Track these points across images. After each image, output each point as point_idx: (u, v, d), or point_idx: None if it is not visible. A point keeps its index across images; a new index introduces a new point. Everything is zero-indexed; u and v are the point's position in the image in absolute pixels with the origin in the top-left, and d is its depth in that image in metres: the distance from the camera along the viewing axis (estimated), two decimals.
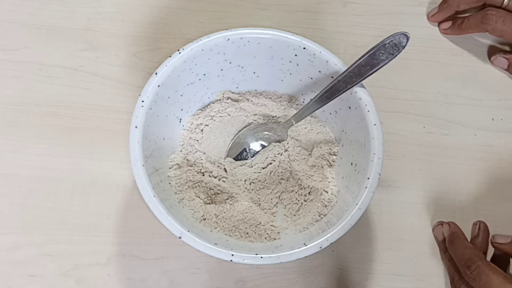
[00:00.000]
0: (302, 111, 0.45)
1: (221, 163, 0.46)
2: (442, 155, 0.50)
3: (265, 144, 0.47)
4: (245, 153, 0.47)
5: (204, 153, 0.46)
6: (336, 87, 0.42)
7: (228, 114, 0.48)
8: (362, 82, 0.42)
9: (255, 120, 0.48)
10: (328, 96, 0.43)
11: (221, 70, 0.46)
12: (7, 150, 0.49)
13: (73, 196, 0.47)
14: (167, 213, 0.37)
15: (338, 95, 0.42)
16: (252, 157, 0.47)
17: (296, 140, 0.47)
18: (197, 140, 0.47)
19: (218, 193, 0.44)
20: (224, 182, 0.45)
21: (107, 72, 0.53)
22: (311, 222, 0.43)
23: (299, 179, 0.45)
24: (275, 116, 0.48)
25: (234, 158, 0.47)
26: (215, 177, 0.45)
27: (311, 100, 0.44)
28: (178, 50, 0.43)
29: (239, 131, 0.47)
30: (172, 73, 0.43)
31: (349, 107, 0.44)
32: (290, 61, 0.46)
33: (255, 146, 0.47)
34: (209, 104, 0.48)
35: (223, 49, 0.44)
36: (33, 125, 0.50)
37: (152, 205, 0.38)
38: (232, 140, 0.47)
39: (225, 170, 0.46)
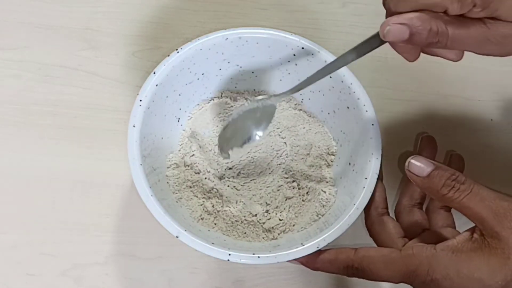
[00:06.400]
0: (294, 87, 0.42)
1: (219, 162, 0.46)
2: (441, 154, 0.50)
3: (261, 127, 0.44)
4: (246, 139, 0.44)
5: (202, 154, 0.46)
6: (337, 62, 0.39)
7: (227, 114, 0.48)
8: (360, 82, 0.42)
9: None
10: (328, 71, 0.40)
11: (220, 69, 0.46)
12: (6, 149, 0.49)
13: (72, 195, 0.47)
14: (164, 212, 0.38)
15: (332, 72, 0.40)
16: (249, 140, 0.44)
17: (295, 139, 0.47)
18: (196, 141, 0.47)
19: (215, 194, 0.44)
20: (222, 182, 0.45)
21: (107, 72, 0.53)
22: (309, 222, 0.43)
23: (297, 179, 0.45)
24: (274, 116, 0.48)
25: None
26: (212, 181, 0.45)
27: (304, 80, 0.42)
28: (177, 50, 0.43)
29: (231, 116, 0.44)
30: (171, 73, 0.43)
31: (348, 107, 0.44)
32: (289, 61, 0.46)
33: (252, 132, 0.44)
34: (207, 103, 0.48)
35: (222, 49, 0.44)
36: (32, 124, 0.50)
37: (150, 205, 0.38)
38: (225, 127, 0.44)
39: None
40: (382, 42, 0.35)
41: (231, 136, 0.44)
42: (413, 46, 0.35)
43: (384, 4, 0.35)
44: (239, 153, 0.45)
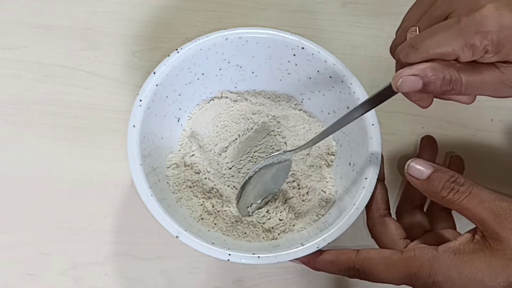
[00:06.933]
0: (308, 143, 0.43)
1: (219, 162, 0.46)
2: (441, 155, 0.50)
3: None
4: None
5: (202, 154, 0.46)
6: (347, 117, 0.39)
7: (227, 114, 0.48)
8: (360, 82, 0.42)
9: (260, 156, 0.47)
10: (342, 123, 0.40)
11: (220, 69, 0.46)
12: (6, 149, 0.49)
13: (71, 195, 0.47)
14: (165, 212, 0.37)
15: (349, 123, 0.40)
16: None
17: (294, 139, 0.47)
18: (196, 141, 0.47)
19: (215, 194, 0.44)
20: (222, 182, 0.45)
21: (106, 72, 0.53)
22: (309, 222, 0.43)
23: (297, 178, 0.45)
24: (274, 116, 0.48)
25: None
26: (212, 181, 0.45)
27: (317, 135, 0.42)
28: (177, 50, 0.43)
29: (247, 175, 0.44)
30: (171, 73, 0.43)
31: (348, 107, 0.44)
32: (289, 61, 0.46)
33: (270, 188, 0.45)
34: (207, 103, 0.48)
35: (222, 49, 0.44)
36: (32, 124, 0.50)
37: (150, 205, 0.38)
38: (243, 184, 0.44)
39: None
40: (395, 93, 0.34)
41: (250, 194, 0.45)
42: (427, 94, 0.35)
43: (392, 54, 0.35)
44: (257, 207, 0.45)
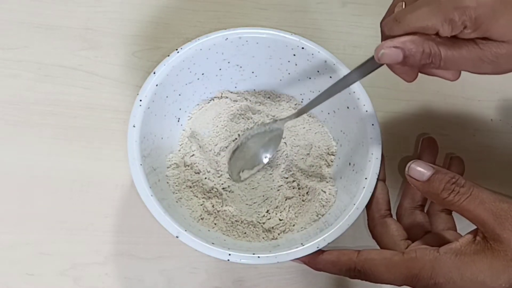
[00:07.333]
0: (300, 110, 0.44)
1: (218, 162, 0.46)
2: (441, 156, 0.50)
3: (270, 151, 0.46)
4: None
5: (202, 154, 0.46)
6: (337, 85, 0.40)
7: (227, 114, 0.48)
8: (360, 82, 0.42)
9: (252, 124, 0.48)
10: (328, 94, 0.41)
11: (220, 69, 0.46)
12: (6, 149, 0.49)
13: (71, 195, 0.47)
14: (165, 212, 0.38)
15: (338, 92, 0.41)
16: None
17: (295, 139, 0.47)
18: (196, 141, 0.47)
19: (215, 194, 0.44)
20: (221, 181, 0.45)
21: (106, 72, 0.53)
22: (309, 222, 0.43)
23: (297, 178, 0.45)
24: (274, 116, 0.48)
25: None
26: (212, 181, 0.45)
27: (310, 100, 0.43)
28: (177, 50, 0.43)
29: (239, 140, 0.46)
30: (171, 73, 0.43)
31: (347, 107, 0.44)
32: (289, 61, 0.46)
33: (261, 155, 0.46)
34: (207, 103, 0.48)
35: (222, 49, 0.44)
36: (31, 124, 0.50)
37: (150, 205, 0.38)
38: (233, 150, 0.46)
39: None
40: (379, 65, 0.35)
41: (242, 159, 0.45)
42: (409, 68, 0.36)
43: (380, 27, 0.36)
44: (248, 174, 0.46)
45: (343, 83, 0.40)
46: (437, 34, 0.33)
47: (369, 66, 0.37)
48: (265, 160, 0.46)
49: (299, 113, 0.44)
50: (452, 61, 0.33)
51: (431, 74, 0.38)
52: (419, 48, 0.33)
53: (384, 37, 0.35)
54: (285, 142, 0.47)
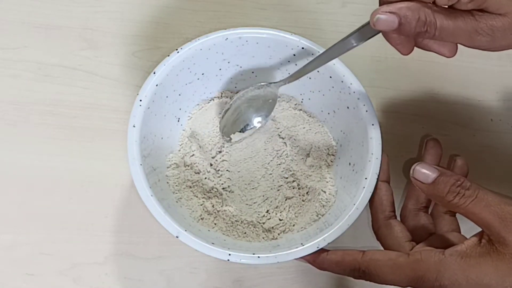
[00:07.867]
0: (294, 74, 0.43)
1: (218, 162, 0.46)
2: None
3: (262, 115, 0.46)
4: (245, 127, 0.46)
5: (202, 154, 0.46)
6: (334, 50, 0.40)
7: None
8: (360, 82, 0.42)
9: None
10: (326, 58, 0.40)
11: (220, 69, 0.46)
12: (6, 149, 0.49)
13: (71, 195, 0.47)
14: (164, 212, 0.38)
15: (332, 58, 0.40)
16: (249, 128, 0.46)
17: (295, 139, 0.47)
18: (196, 141, 0.47)
19: (215, 194, 0.44)
20: (221, 181, 0.45)
21: (106, 71, 0.53)
22: (309, 222, 0.43)
23: (297, 178, 0.45)
24: (274, 116, 0.48)
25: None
26: (212, 181, 0.45)
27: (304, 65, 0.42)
28: (177, 50, 0.43)
29: (233, 101, 0.46)
30: (171, 73, 0.43)
31: (348, 107, 0.44)
32: (289, 61, 0.46)
33: (253, 118, 0.46)
34: (207, 103, 0.48)
35: (222, 49, 0.44)
36: (31, 124, 0.50)
37: (149, 205, 0.38)
38: (225, 112, 0.46)
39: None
40: (375, 31, 0.35)
41: (234, 120, 0.45)
42: (406, 38, 0.36)
43: None
44: (239, 137, 0.46)
45: (341, 48, 0.39)
46: (434, 3, 0.33)
47: (365, 31, 0.36)
48: (258, 125, 0.45)
49: (295, 77, 0.43)
50: (447, 31, 0.33)
51: (427, 48, 0.37)
52: (414, 15, 0.33)
53: (381, 2, 0.35)
54: (285, 142, 0.47)
